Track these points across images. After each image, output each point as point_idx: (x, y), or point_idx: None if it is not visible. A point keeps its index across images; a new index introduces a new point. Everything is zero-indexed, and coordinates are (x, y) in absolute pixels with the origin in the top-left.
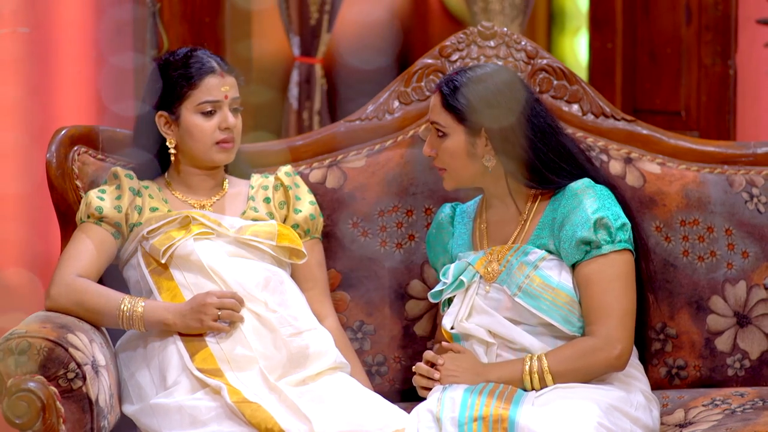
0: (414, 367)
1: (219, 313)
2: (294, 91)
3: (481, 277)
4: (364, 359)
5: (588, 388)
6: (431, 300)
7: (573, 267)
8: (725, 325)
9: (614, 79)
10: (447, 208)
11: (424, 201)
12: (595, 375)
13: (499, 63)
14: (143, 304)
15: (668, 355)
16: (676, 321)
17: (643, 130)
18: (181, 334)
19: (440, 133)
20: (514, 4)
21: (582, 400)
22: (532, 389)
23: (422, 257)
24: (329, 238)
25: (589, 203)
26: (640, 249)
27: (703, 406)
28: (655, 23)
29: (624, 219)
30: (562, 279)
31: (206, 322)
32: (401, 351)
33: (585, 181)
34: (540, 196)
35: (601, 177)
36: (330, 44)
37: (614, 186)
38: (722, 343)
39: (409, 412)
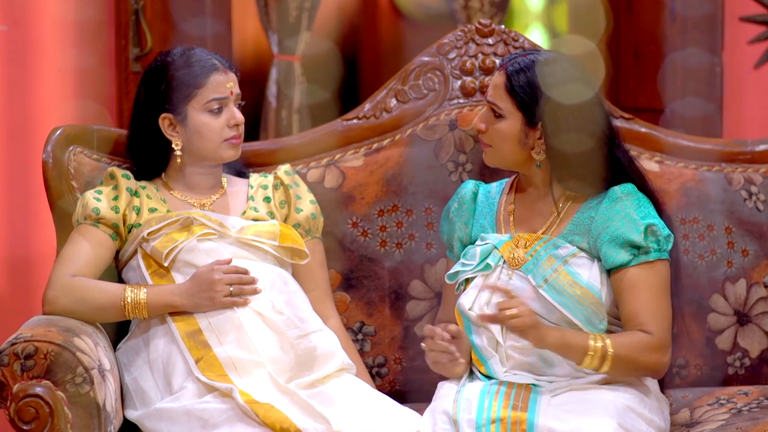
0: (426, 344)
1: (231, 288)
2: (273, 89)
3: (504, 262)
4: (364, 360)
5: (604, 389)
6: (447, 281)
7: (611, 270)
8: (725, 324)
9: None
10: (470, 185)
11: (424, 200)
12: (639, 374)
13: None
14: (146, 290)
15: None
16: (676, 320)
17: (641, 128)
18: (184, 337)
19: (496, 114)
20: (493, 1)
21: (600, 401)
22: (580, 368)
23: (423, 257)
24: (328, 239)
25: (635, 208)
26: (673, 262)
27: (708, 405)
28: (638, 21)
29: (668, 230)
30: (591, 279)
31: (218, 299)
32: (402, 352)
33: (629, 186)
34: (576, 194)
35: (648, 190)
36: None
37: (658, 201)
38: (723, 342)
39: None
